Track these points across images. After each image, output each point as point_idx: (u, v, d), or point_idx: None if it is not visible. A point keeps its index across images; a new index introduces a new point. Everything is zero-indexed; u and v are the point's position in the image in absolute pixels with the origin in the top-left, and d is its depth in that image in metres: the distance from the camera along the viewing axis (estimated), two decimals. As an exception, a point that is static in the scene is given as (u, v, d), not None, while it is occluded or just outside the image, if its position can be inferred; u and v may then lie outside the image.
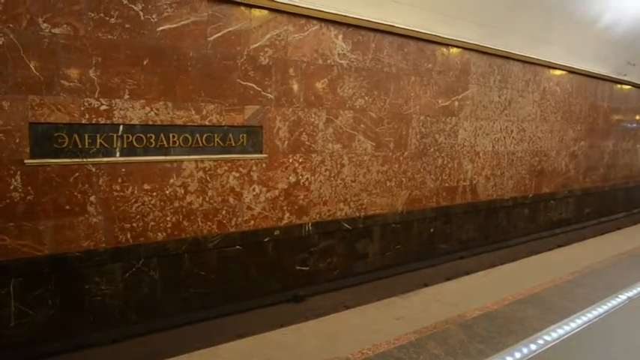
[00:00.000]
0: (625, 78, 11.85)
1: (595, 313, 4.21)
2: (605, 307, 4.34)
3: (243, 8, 5.24)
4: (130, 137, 4.67)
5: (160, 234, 4.95)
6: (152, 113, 4.77)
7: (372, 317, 4.24)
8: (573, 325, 3.91)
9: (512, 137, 9.01)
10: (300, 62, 5.76)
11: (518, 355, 3.35)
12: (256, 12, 5.34)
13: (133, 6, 4.55)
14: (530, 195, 9.71)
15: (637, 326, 4.05)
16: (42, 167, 4.25)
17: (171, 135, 4.91)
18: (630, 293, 4.75)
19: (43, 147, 4.25)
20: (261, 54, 5.43)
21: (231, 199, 5.39)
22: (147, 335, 4.84)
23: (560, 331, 3.76)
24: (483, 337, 3.67)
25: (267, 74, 5.50)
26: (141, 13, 4.61)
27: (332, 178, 6.27)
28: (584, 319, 4.06)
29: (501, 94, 8.59)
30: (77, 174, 4.43)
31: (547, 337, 3.65)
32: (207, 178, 5.20)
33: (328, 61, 6.02)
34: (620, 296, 4.65)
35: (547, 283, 5.09)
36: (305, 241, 6.13)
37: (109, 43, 4.46)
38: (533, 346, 3.48)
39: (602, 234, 9.37)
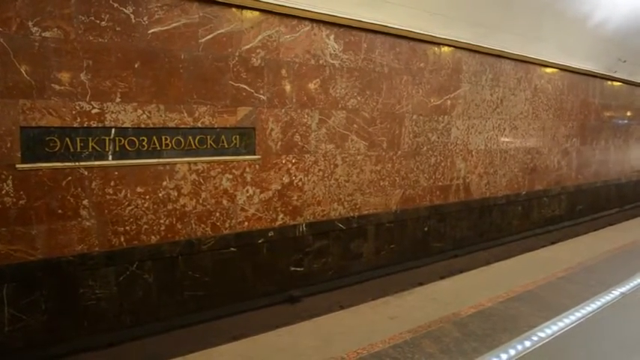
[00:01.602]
0: (615, 75, 11.92)
1: (588, 309, 4.23)
2: (598, 303, 4.36)
3: (234, 10, 5.23)
4: (123, 140, 4.66)
5: (153, 237, 4.94)
6: (144, 116, 4.76)
7: (367, 317, 4.24)
8: (567, 321, 3.93)
9: (505, 135, 9.05)
10: (292, 63, 5.76)
11: (512, 352, 3.36)
12: (248, 13, 5.34)
13: (123, 9, 4.54)
14: (524, 192, 9.76)
15: (630, 322, 4.08)
16: (34, 171, 4.24)
17: (163, 137, 4.90)
18: (623, 289, 4.78)
19: (35, 151, 4.23)
20: (253, 55, 5.42)
21: (224, 201, 5.38)
22: (142, 338, 4.82)
23: (554, 328, 3.77)
24: (478, 335, 3.69)
25: (260, 75, 5.50)
26: (132, 16, 4.60)
27: (325, 179, 6.28)
28: (578, 315, 4.08)
29: (493, 93, 8.63)
30: (69, 178, 4.41)
31: (541, 334, 3.67)
32: (201, 180, 5.19)
33: (320, 62, 6.02)
34: (613, 292, 4.68)
35: (540, 280, 5.11)
36: (299, 241, 6.13)
37: (99, 47, 4.45)
38: (527, 343, 3.49)
39: (594, 230, 9.41)
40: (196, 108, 5.06)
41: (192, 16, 4.95)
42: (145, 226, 4.88)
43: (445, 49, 7.60)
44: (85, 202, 4.52)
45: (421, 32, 7.03)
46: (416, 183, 7.45)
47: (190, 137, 5.06)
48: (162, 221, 4.98)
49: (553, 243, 8.30)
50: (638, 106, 13.71)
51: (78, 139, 4.42)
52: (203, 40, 5.05)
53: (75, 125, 4.39)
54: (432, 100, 7.52)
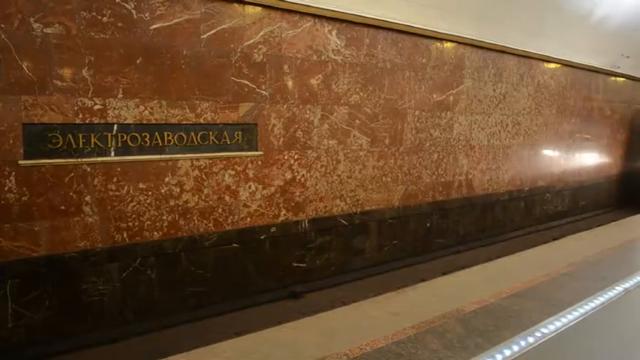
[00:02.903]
0: (618, 70, 11.88)
1: (591, 305, 4.22)
2: (601, 299, 4.35)
3: (236, 5, 5.22)
4: (125, 136, 4.66)
5: (156, 233, 4.94)
6: (146, 112, 4.75)
7: (370, 313, 4.23)
8: (570, 317, 3.92)
9: (508, 131, 9.02)
10: (294, 59, 5.74)
11: (515, 348, 3.36)
12: (250, 9, 5.32)
13: (125, 4, 4.53)
14: (526, 189, 9.73)
15: (633, 318, 4.08)
16: (36, 168, 4.23)
17: (165, 134, 4.90)
18: (626, 285, 4.77)
19: (37, 147, 4.23)
20: (255, 51, 5.41)
21: (227, 197, 5.38)
22: (145, 334, 4.83)
23: (558, 324, 3.77)
24: (481, 331, 3.68)
25: (262, 71, 5.48)
26: (133, 12, 4.58)
27: (328, 175, 6.27)
28: (581, 311, 4.07)
29: (496, 88, 8.60)
30: (72, 174, 4.41)
31: (544, 330, 3.66)
32: (203, 176, 5.18)
33: (322, 57, 6.01)
34: (616, 288, 4.67)
35: (543, 276, 5.10)
36: (302, 237, 6.12)
37: (101, 42, 4.44)
38: (530, 339, 3.49)
39: (598, 226, 9.39)
40: (198, 104, 5.06)
41: (194, 12, 4.94)
42: (148, 223, 4.88)
43: (448, 44, 7.57)
44: (88, 198, 4.52)
45: (424, 28, 7.01)
46: (418, 179, 7.43)
47: (192, 133, 5.06)
48: (164, 217, 4.98)
49: (555, 239, 8.29)
50: (641, 101, 13.68)
51: (80, 135, 4.42)
52: (205, 35, 5.03)
53: (77, 121, 4.39)
54: (435, 96, 7.49)
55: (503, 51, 8.52)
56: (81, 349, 4.50)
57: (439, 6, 7.07)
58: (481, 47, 8.08)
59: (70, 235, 4.46)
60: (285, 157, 5.81)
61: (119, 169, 4.66)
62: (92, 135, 4.48)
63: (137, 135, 4.73)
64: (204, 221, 5.25)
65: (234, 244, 5.50)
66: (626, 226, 8.64)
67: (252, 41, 5.37)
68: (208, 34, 5.06)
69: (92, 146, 4.49)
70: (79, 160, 4.43)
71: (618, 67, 11.80)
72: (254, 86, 5.43)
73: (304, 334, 3.77)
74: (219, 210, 5.34)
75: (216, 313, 5.32)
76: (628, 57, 11.73)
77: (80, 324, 4.61)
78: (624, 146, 13.16)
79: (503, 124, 8.90)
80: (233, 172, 5.39)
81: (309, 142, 6.00)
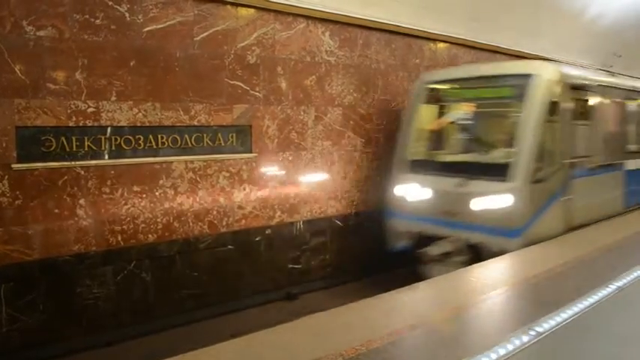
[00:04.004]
0: (611, 69, 11.93)
1: (585, 303, 4.23)
2: (595, 298, 4.36)
3: (229, 7, 5.22)
4: (119, 139, 4.65)
5: (150, 236, 4.93)
6: (140, 114, 4.74)
7: (365, 313, 4.23)
8: (564, 315, 3.93)
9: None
10: (287, 60, 5.75)
11: (510, 346, 3.36)
12: (243, 10, 5.32)
13: (118, 7, 4.52)
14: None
15: (627, 316, 4.09)
16: (29, 171, 4.22)
17: (159, 136, 4.89)
18: (620, 283, 4.78)
19: (31, 151, 4.21)
20: (249, 53, 5.41)
21: (221, 199, 5.37)
22: (140, 337, 4.81)
23: (552, 322, 3.77)
24: (477, 330, 3.69)
25: (255, 73, 5.48)
26: (126, 14, 4.58)
27: (322, 176, 6.26)
28: (575, 309, 4.07)
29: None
30: (66, 177, 4.39)
31: (538, 329, 3.66)
32: (197, 178, 5.17)
33: (316, 59, 6.01)
34: (610, 286, 4.68)
35: (539, 274, 5.12)
36: (297, 239, 6.12)
37: (94, 45, 4.43)
38: (525, 338, 3.49)
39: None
40: (192, 106, 5.05)
41: (187, 14, 4.93)
42: (142, 225, 4.87)
43: (441, 45, 7.59)
44: (82, 201, 4.50)
45: (417, 28, 7.03)
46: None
47: (187, 135, 5.05)
48: (159, 220, 4.96)
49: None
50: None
51: (74, 138, 4.41)
52: (198, 37, 5.03)
53: (70, 124, 4.37)
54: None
55: (495, 51, 8.54)
56: (76, 352, 4.48)
57: (432, 7, 7.08)
58: (474, 47, 8.12)
59: (64, 238, 4.44)
60: (280, 159, 5.81)
61: (113, 172, 4.64)
62: (86, 138, 4.47)
63: (131, 137, 4.72)
64: (199, 223, 5.24)
65: (229, 246, 5.49)
66: (626, 222, 8.64)
67: (245, 43, 5.37)
68: (201, 36, 5.05)
69: (86, 149, 4.48)
70: (73, 163, 4.42)
71: (611, 66, 11.85)
72: (248, 88, 5.43)
73: (300, 335, 3.77)
74: (214, 212, 5.33)
75: (212, 315, 5.31)
76: (620, 56, 11.79)
77: (75, 327, 4.59)
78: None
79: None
80: (227, 174, 5.39)
81: (303, 143, 6.00)
